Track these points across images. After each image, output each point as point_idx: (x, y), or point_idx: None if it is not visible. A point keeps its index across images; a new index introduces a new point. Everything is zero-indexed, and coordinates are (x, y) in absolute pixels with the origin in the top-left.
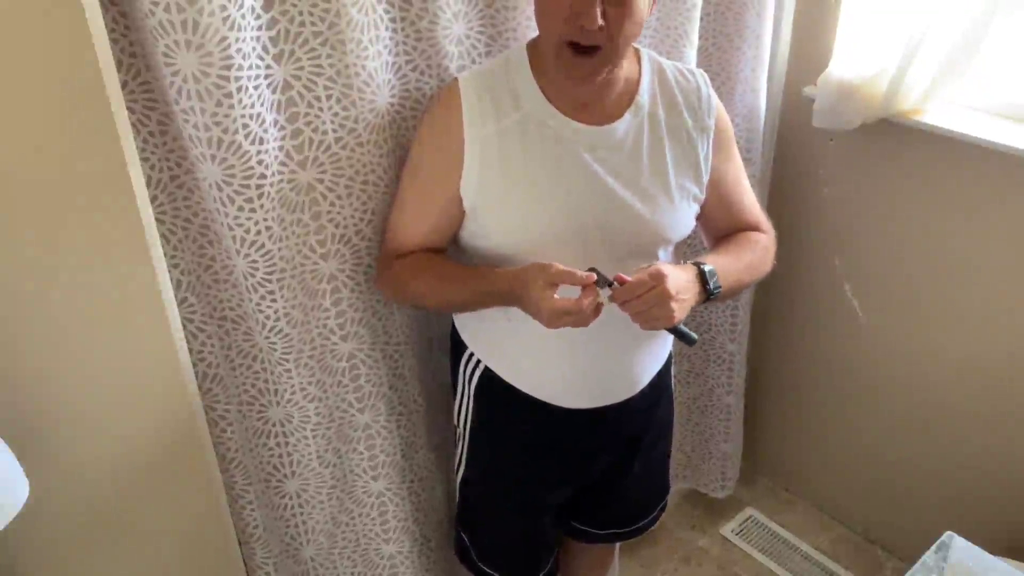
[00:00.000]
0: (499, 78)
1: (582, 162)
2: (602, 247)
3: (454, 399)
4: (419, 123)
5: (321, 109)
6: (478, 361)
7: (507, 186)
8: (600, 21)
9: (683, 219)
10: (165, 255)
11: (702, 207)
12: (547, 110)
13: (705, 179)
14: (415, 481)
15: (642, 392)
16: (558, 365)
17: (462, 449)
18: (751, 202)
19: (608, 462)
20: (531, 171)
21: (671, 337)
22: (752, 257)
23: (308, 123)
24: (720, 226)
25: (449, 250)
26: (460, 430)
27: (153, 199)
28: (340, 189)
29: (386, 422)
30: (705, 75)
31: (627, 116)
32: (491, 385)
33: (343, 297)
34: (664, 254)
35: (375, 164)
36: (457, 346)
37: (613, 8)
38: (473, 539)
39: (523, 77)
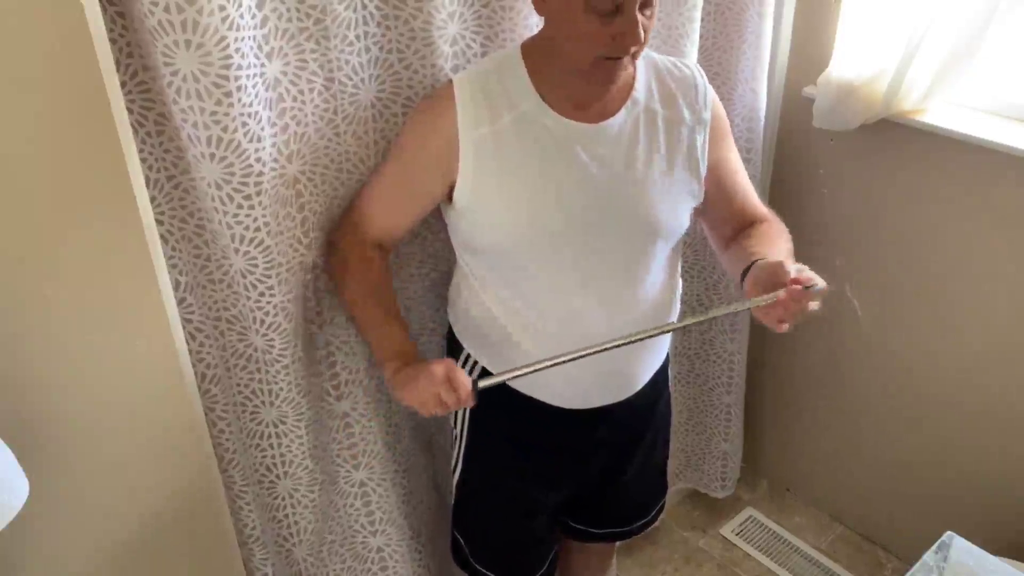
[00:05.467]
0: (493, 79)
1: (579, 160)
2: (599, 244)
3: None
4: (410, 116)
5: (304, 103)
6: (475, 363)
7: (503, 187)
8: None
9: (680, 216)
10: (163, 255)
11: (705, 203)
12: (543, 110)
13: (703, 174)
14: (399, 471)
15: (641, 392)
16: (546, 374)
17: (459, 450)
18: (753, 193)
19: (607, 461)
20: (527, 171)
21: (669, 337)
22: (790, 246)
23: (293, 117)
24: (726, 219)
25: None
26: (457, 431)
27: (151, 200)
28: (317, 178)
29: (364, 408)
30: (699, 66)
31: (622, 112)
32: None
33: (321, 285)
34: (662, 252)
35: (351, 153)
36: (454, 347)
37: (645, 18)
38: (470, 541)
39: (518, 78)
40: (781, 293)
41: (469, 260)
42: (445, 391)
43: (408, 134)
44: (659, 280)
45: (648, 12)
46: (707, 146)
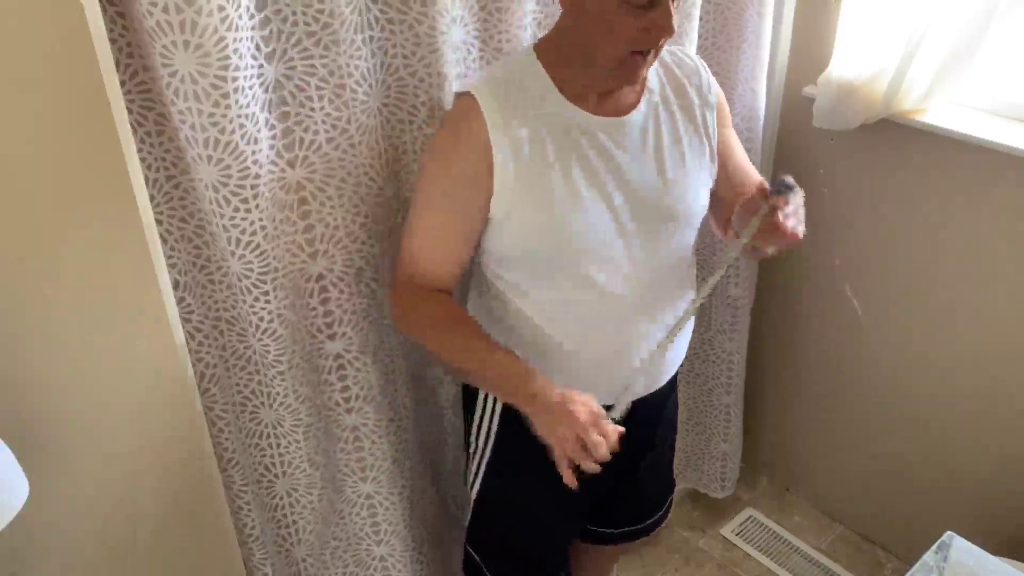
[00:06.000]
0: (512, 83)
1: (609, 154)
2: (637, 237)
3: (471, 412)
4: (433, 141)
5: (313, 109)
6: None
7: (539, 187)
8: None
9: (703, 199)
10: (163, 255)
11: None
12: (568, 108)
13: (715, 152)
14: (406, 486)
15: (658, 389)
16: (592, 373)
17: (479, 463)
18: (756, 173)
19: (622, 460)
20: (560, 170)
21: (690, 332)
22: None
23: (299, 123)
24: (728, 203)
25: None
26: (478, 444)
27: (150, 199)
28: (331, 190)
29: (375, 425)
30: (699, 56)
31: (642, 103)
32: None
33: (331, 297)
34: (689, 237)
35: (367, 166)
36: None
37: (674, 9)
38: (490, 556)
39: (537, 78)
40: (764, 207)
41: (503, 273)
42: (591, 438)
43: (439, 158)
44: (684, 265)
45: (676, 4)
46: (715, 126)
